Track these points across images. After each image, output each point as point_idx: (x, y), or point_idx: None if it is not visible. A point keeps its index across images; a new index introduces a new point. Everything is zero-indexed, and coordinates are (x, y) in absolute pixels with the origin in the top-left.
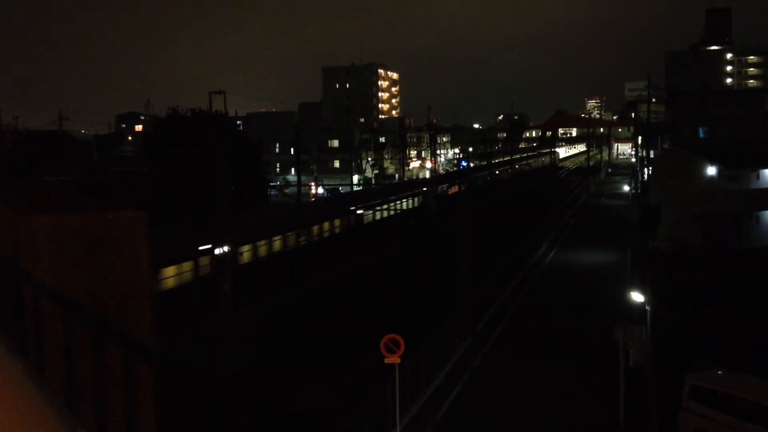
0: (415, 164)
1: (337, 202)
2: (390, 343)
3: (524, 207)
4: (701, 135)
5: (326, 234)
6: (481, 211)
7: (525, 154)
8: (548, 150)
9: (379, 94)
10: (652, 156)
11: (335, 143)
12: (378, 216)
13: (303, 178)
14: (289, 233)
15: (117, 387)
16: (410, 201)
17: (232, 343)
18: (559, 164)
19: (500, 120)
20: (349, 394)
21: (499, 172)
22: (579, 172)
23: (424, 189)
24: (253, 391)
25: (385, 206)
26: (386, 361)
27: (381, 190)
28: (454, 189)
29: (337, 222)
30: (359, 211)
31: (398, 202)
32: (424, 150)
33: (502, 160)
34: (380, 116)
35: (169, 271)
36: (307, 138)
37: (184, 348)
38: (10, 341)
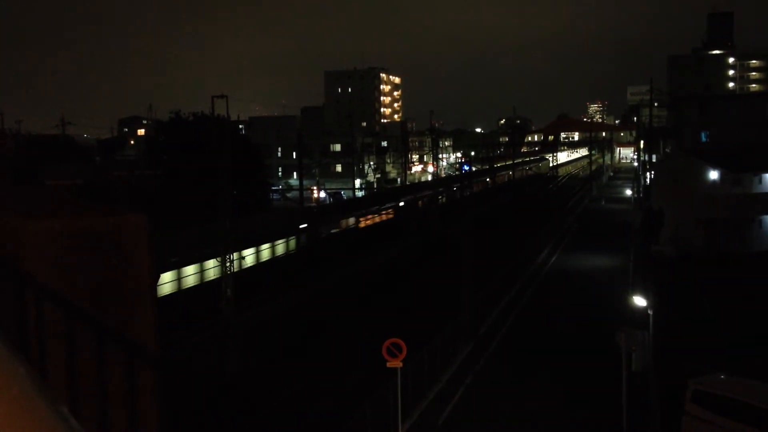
0: (417, 168)
1: None
2: (392, 347)
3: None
4: (703, 139)
5: None
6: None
7: (511, 162)
8: (539, 157)
9: (381, 98)
10: (654, 160)
11: (337, 147)
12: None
13: (305, 182)
14: None
15: (119, 389)
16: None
17: (234, 345)
18: (556, 171)
19: (502, 124)
20: (351, 396)
21: (467, 187)
22: (579, 178)
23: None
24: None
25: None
26: (388, 365)
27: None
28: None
29: None
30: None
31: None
32: (426, 154)
33: (479, 169)
34: (382, 120)
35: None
36: (309, 142)
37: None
38: (12, 344)
